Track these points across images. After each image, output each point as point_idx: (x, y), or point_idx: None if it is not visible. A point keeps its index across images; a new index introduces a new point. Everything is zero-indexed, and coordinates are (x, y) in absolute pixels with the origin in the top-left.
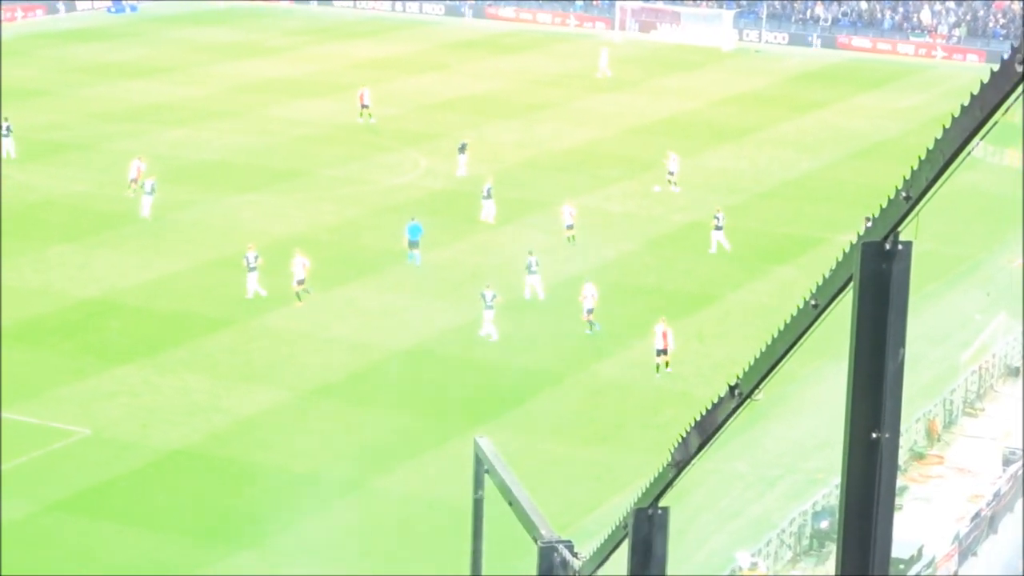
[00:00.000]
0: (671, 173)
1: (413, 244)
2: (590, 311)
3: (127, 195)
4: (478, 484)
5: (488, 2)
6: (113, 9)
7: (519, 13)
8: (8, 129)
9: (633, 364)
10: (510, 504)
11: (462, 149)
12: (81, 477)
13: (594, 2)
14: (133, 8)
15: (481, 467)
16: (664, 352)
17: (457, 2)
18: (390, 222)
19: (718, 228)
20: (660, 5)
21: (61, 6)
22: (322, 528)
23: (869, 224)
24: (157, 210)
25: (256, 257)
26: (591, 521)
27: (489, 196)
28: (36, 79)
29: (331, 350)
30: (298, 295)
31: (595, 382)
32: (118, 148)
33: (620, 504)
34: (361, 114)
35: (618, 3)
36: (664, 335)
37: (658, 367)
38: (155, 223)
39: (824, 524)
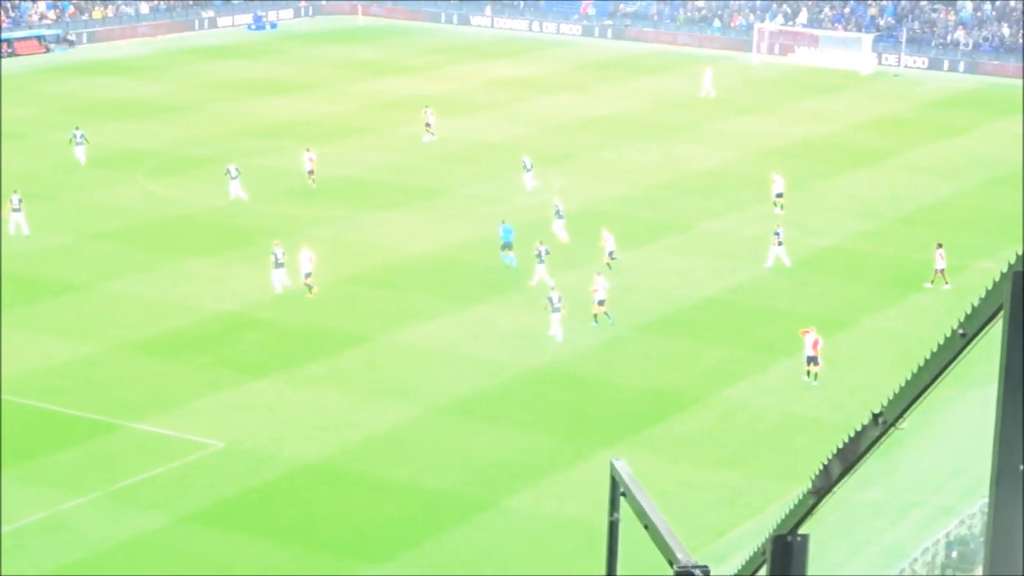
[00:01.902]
0: (778, 195)
1: (506, 246)
2: (601, 302)
3: (311, 185)
4: (613, 506)
5: (627, 23)
6: (253, 26)
7: (657, 35)
8: (82, 137)
9: (765, 388)
10: (646, 527)
11: (527, 167)
12: (215, 489)
13: (732, 24)
14: (273, 25)
15: (617, 489)
16: (815, 360)
17: (594, 23)
18: (526, 242)
19: (779, 244)
20: (798, 28)
21: (204, 23)
22: (453, 546)
23: (941, 251)
24: (292, 222)
25: (283, 253)
26: (722, 545)
27: (560, 216)
28: (176, 95)
29: (464, 367)
30: (309, 287)
31: (727, 405)
32: (257, 164)
33: (751, 529)
34: (429, 132)
35: (756, 26)
36: (815, 344)
37: (808, 373)
38: (292, 238)
39: (955, 554)
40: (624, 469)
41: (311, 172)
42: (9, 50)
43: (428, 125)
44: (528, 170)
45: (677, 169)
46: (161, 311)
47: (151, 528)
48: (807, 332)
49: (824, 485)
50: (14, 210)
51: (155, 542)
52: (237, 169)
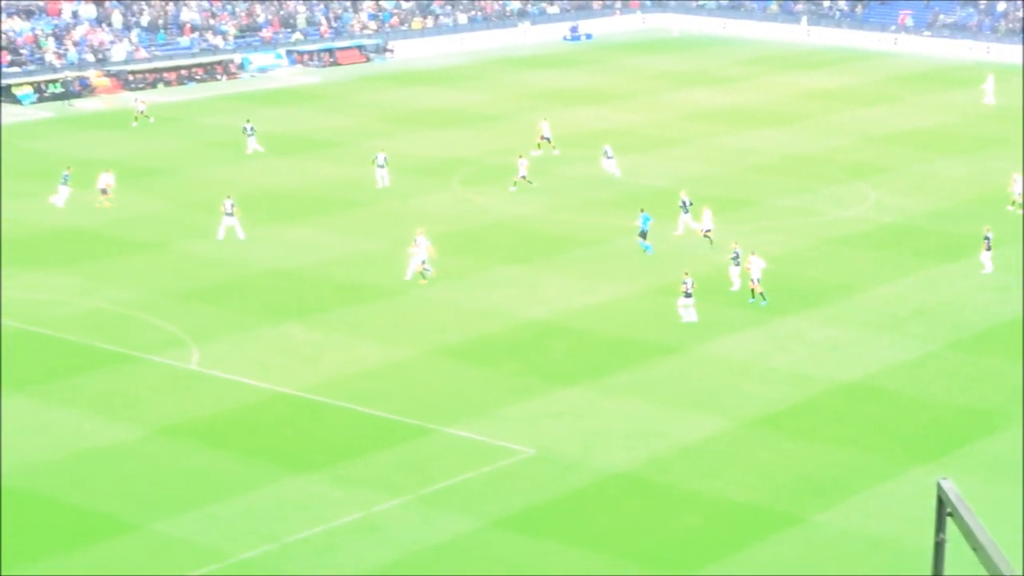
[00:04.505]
0: (1017, 194)
1: (643, 234)
2: (757, 280)
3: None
4: (940, 527)
5: (944, 33)
6: (569, 37)
7: (976, 46)
8: (252, 129)
9: None
10: (974, 550)
11: (607, 154)
12: (525, 495)
13: None
14: (588, 36)
15: (943, 510)
16: None
17: (911, 33)
18: (837, 255)
19: (988, 248)
20: None
21: (521, 34)
22: (760, 559)
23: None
24: (601, 231)
25: (423, 242)
26: None
27: (686, 210)
28: (492, 104)
29: (773, 380)
30: (422, 274)
31: None
32: (568, 173)
33: None
34: (539, 146)
35: None
36: None
37: None
38: (602, 247)
39: None
40: (952, 489)
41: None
42: (331, 59)
43: (545, 138)
44: (609, 158)
45: (993, 183)
46: (473, 317)
47: (462, 532)
48: None
49: None
50: (227, 214)
51: (465, 546)
52: (385, 157)
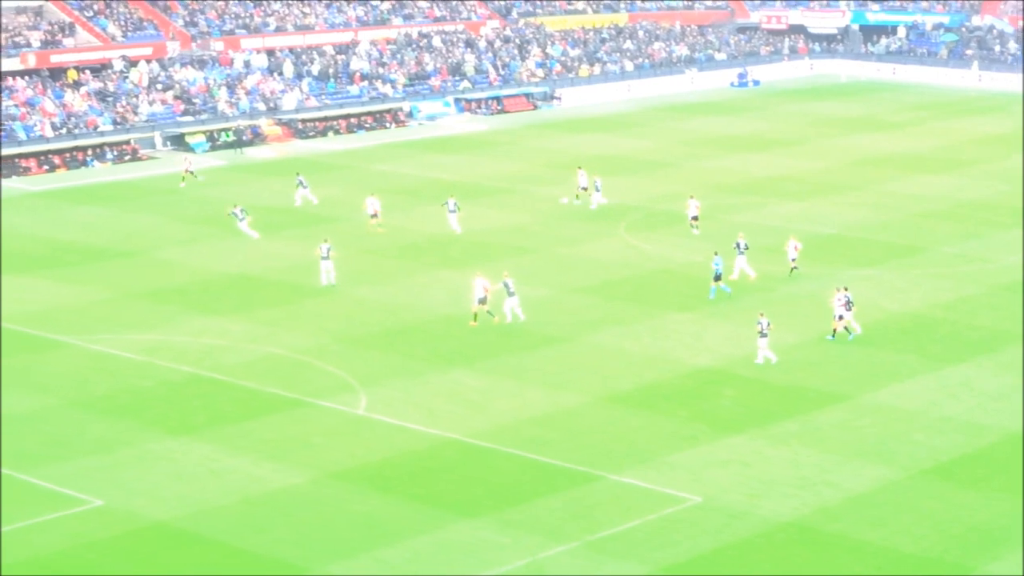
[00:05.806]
0: None
1: (717, 277)
2: (840, 317)
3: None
4: None
5: None
6: (736, 83)
7: None
8: (302, 182)
9: None
10: None
11: (596, 187)
12: (691, 543)
13: None
14: (756, 83)
15: None
16: None
17: None
18: (1008, 301)
19: None
20: None
21: (689, 81)
22: None
23: None
24: (767, 279)
25: (513, 283)
26: None
27: (742, 252)
28: (658, 151)
29: (944, 429)
30: (475, 315)
31: None
32: (736, 220)
33: None
34: (577, 196)
35: None
36: None
37: None
38: (768, 295)
39: None
40: None
41: (584, 189)
42: (499, 107)
43: (584, 188)
44: (597, 191)
45: None
46: (640, 364)
47: None
48: None
49: None
50: (323, 258)
51: None
52: (456, 203)
